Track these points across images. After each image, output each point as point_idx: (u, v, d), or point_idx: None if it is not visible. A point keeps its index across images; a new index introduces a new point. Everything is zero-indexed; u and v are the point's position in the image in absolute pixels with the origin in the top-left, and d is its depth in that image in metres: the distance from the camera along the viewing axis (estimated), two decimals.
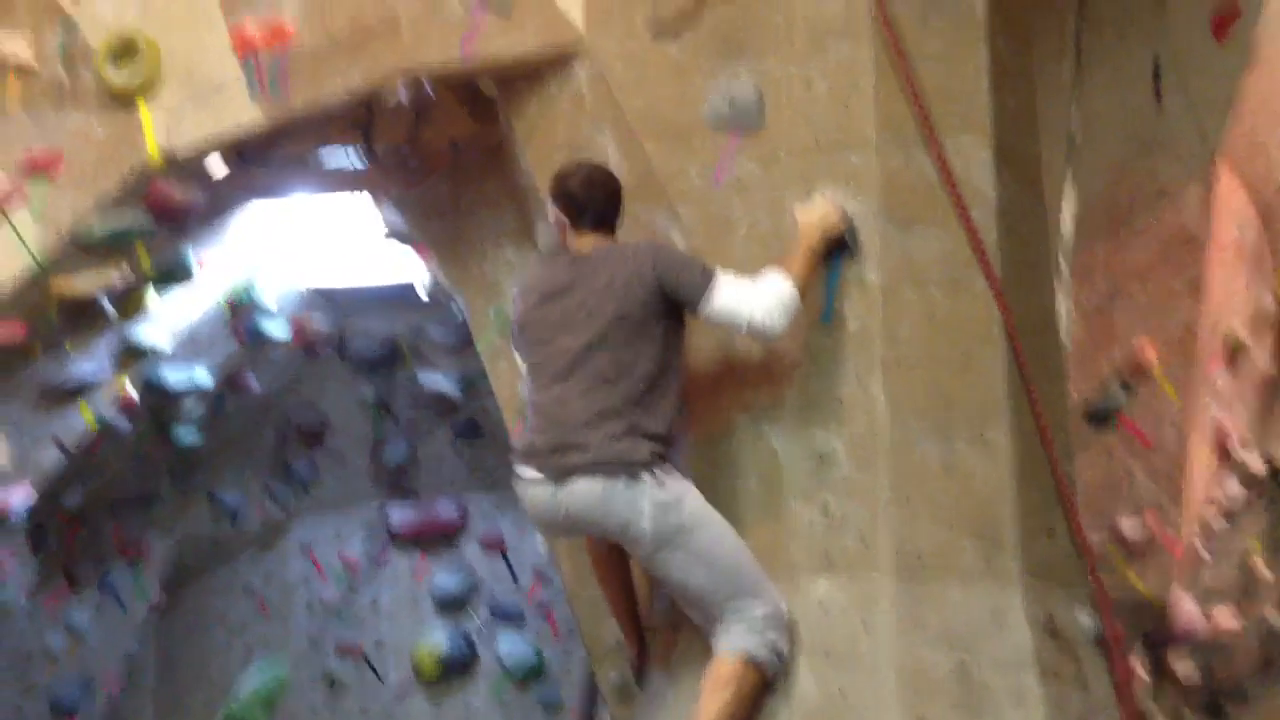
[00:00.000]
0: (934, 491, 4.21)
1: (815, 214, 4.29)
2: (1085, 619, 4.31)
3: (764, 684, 4.04)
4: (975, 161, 4.39)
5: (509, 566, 9.67)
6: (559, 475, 4.03)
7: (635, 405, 4.05)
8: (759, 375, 4.37)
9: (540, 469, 4.08)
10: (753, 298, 4.08)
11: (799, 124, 4.45)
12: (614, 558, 4.46)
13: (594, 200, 4.33)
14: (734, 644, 3.99)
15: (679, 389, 4.25)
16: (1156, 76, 4.89)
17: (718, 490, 4.32)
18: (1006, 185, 4.44)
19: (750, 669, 3.99)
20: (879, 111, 4.38)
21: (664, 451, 4.08)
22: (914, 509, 4.18)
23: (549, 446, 4.07)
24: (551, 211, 4.41)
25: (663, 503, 3.99)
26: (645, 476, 3.98)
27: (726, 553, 4.05)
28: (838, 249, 4.33)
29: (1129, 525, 4.92)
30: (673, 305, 4.17)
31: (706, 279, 4.13)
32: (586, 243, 4.33)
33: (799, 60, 4.47)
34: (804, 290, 4.20)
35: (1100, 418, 5.12)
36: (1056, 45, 4.94)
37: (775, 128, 4.48)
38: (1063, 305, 4.87)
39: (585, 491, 3.99)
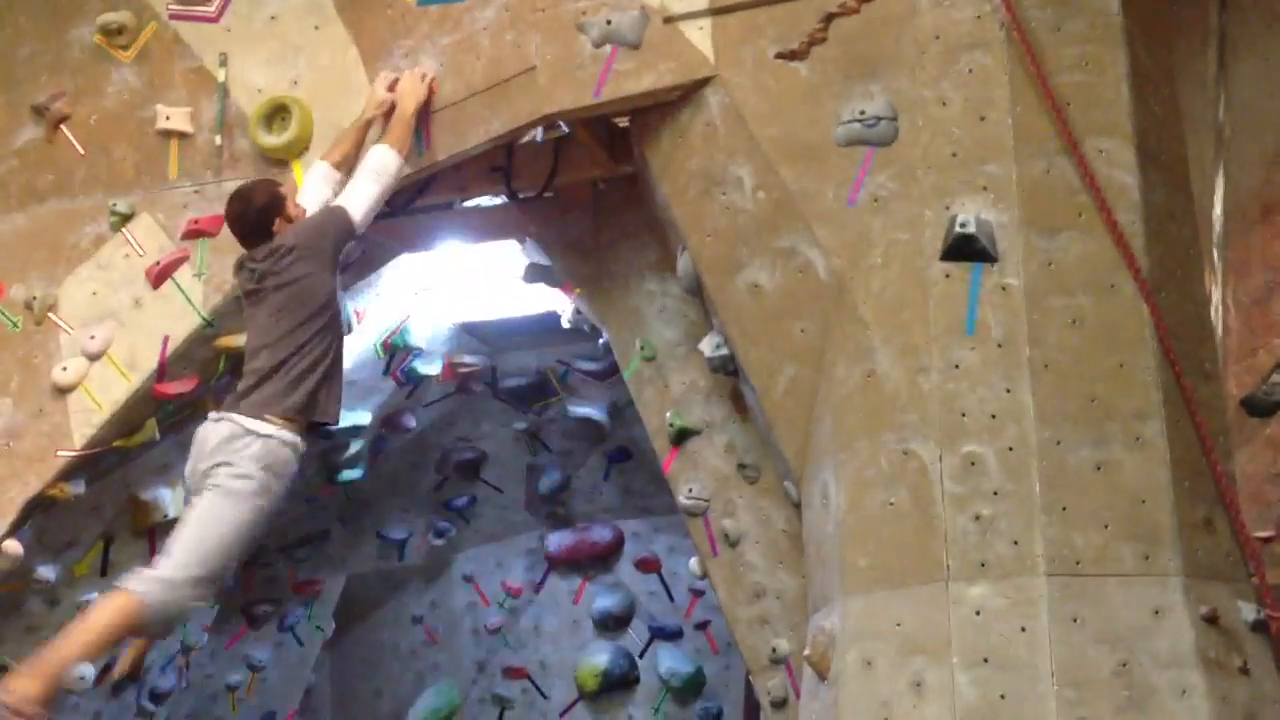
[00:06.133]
0: (1088, 494, 4.17)
1: (403, 86, 5.02)
2: (1249, 612, 4.23)
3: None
4: (1119, 165, 4.33)
5: (664, 586, 9.79)
6: None
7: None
8: (904, 392, 4.37)
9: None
10: (358, 184, 4.87)
11: (935, 138, 4.44)
12: None
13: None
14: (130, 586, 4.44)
15: None
16: None
17: (868, 506, 4.35)
18: (1152, 186, 4.38)
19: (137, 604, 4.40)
20: (1016, 121, 4.36)
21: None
22: (1068, 512, 4.15)
23: None
24: None
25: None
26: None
27: (221, 530, 4.52)
28: (977, 258, 4.31)
29: None
30: None
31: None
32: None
33: (931, 74, 4.47)
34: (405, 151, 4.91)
35: (1262, 410, 5.00)
36: (1199, 38, 4.82)
37: (911, 143, 4.47)
38: (1217, 300, 4.77)
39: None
